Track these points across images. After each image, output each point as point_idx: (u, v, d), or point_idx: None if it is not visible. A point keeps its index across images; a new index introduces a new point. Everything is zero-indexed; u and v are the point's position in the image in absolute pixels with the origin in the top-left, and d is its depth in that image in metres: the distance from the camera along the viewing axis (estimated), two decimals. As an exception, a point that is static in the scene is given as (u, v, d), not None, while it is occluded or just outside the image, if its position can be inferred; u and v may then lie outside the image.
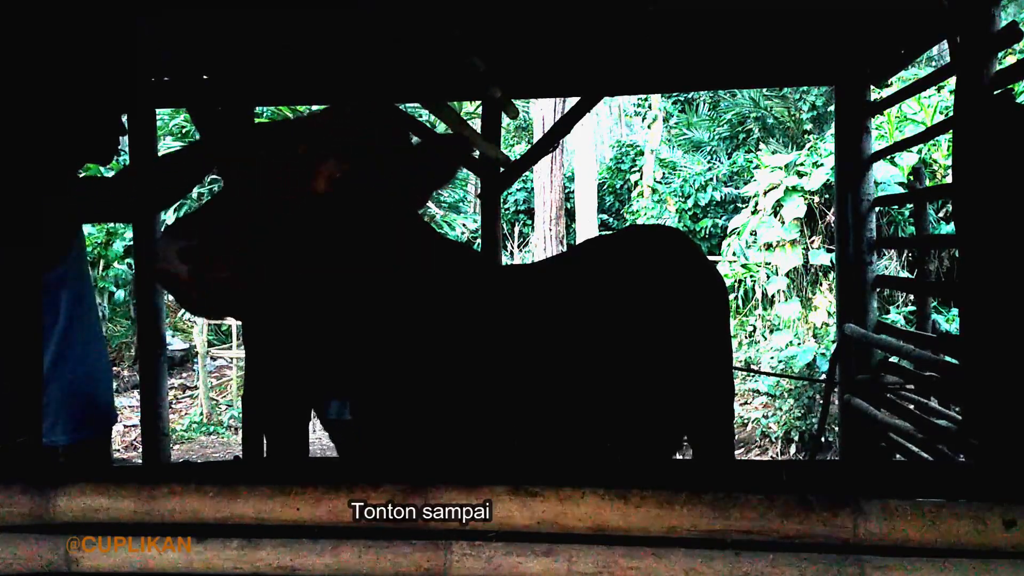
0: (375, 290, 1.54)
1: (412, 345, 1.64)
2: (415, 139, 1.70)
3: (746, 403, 7.31)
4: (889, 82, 4.70)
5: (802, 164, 7.58)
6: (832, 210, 6.74)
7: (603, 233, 9.50)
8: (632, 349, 2.08)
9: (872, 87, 4.32)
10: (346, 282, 1.50)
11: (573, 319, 1.97)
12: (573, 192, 12.18)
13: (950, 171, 6.25)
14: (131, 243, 7.58)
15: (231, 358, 8.82)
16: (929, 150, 7.02)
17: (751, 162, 10.22)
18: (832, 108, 7.47)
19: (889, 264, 7.00)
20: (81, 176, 2.15)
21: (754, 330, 7.85)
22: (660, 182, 11.51)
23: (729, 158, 11.90)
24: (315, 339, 1.62)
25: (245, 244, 1.32)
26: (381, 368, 1.65)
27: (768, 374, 6.55)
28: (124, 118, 2.29)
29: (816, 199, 7.41)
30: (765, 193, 7.71)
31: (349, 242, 1.48)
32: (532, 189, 12.08)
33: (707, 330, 2.53)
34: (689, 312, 2.38)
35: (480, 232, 5.43)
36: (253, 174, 1.42)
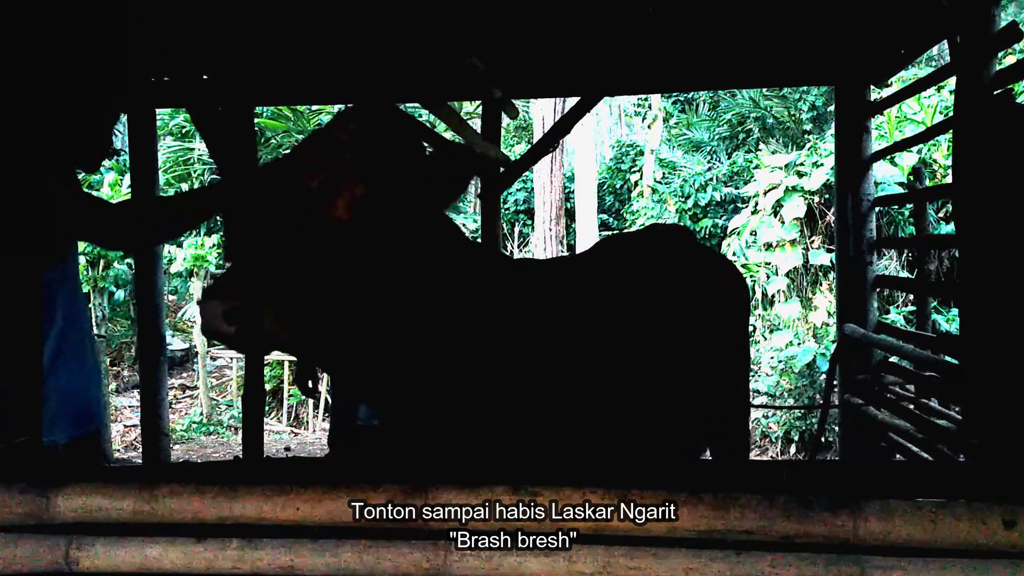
0: (402, 294, 1.56)
1: (441, 349, 1.64)
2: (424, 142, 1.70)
3: (746, 403, 7.29)
4: (889, 82, 4.70)
5: (802, 164, 7.57)
6: (832, 210, 6.73)
7: (622, 232, 9.49)
8: (648, 351, 2.05)
9: (872, 87, 4.32)
10: (376, 292, 1.52)
11: (589, 320, 1.95)
12: (573, 192, 12.17)
13: (950, 171, 6.24)
14: (131, 243, 7.54)
15: (231, 358, 8.81)
16: (929, 150, 7.01)
17: (751, 162, 10.21)
18: (832, 108, 7.46)
19: (889, 264, 6.99)
20: (91, 194, 2.15)
21: (754, 330, 7.85)
22: (660, 182, 11.49)
23: (729, 158, 11.89)
24: (347, 348, 1.62)
25: (282, 291, 1.39)
26: (412, 374, 1.65)
27: (773, 407, 6.56)
28: (119, 126, 2.28)
29: (816, 199, 7.41)
30: (765, 193, 7.70)
31: (378, 256, 1.50)
32: (532, 189, 12.07)
33: (726, 334, 2.45)
34: (708, 316, 2.31)
35: (480, 232, 5.43)
36: (273, 216, 1.45)
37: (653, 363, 2.05)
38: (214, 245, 8.59)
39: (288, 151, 1.62)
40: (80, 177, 2.12)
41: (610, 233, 11.63)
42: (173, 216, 2.09)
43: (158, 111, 4.88)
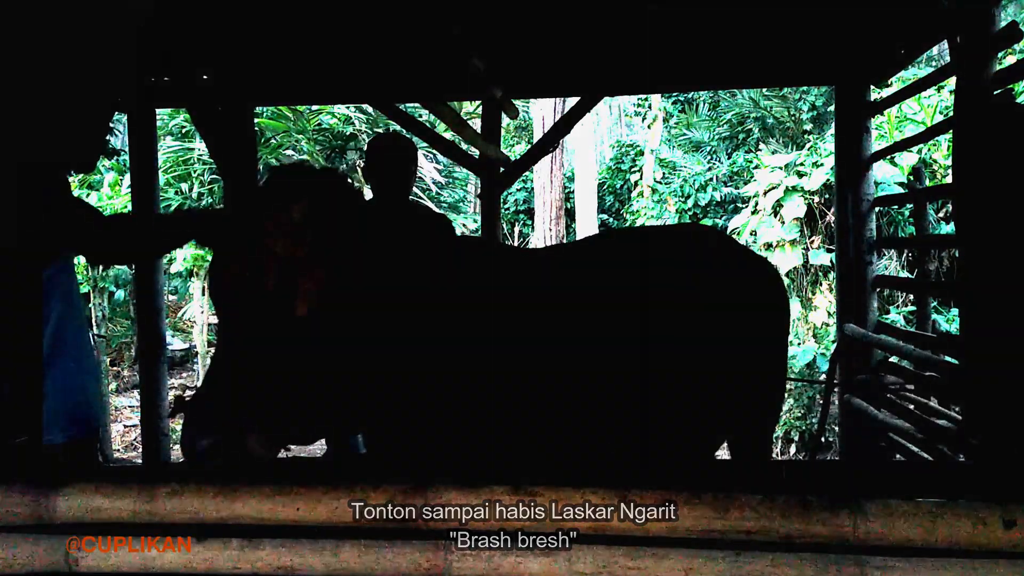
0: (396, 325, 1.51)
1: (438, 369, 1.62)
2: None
3: (746, 403, 7.28)
4: (889, 82, 4.69)
5: (802, 164, 7.56)
6: (832, 210, 6.73)
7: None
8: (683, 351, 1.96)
9: (872, 87, 4.32)
10: (369, 360, 1.47)
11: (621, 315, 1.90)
12: (573, 192, 12.17)
13: (950, 171, 6.24)
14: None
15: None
16: (929, 150, 7.00)
17: (751, 162, 10.20)
18: (832, 108, 7.46)
19: (889, 264, 6.99)
20: (88, 204, 2.15)
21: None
22: (660, 182, 11.49)
23: (729, 158, 11.89)
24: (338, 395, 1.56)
25: (264, 407, 1.32)
26: (412, 401, 1.63)
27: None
28: (119, 126, 2.28)
29: (816, 199, 7.40)
30: (765, 193, 7.69)
31: (362, 324, 1.43)
32: (532, 189, 12.07)
33: (766, 337, 2.30)
34: (749, 320, 2.17)
35: (480, 232, 5.43)
36: (234, 322, 1.37)
37: (688, 365, 1.97)
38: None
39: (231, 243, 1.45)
40: (79, 178, 2.11)
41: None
42: (165, 236, 2.09)
43: (158, 111, 4.88)
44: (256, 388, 1.32)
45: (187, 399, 1.36)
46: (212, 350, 9.13)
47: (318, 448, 6.91)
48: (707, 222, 10.81)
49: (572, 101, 5.17)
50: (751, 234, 7.99)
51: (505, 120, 5.10)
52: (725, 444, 2.62)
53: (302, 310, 1.34)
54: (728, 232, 8.86)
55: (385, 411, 1.59)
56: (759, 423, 2.45)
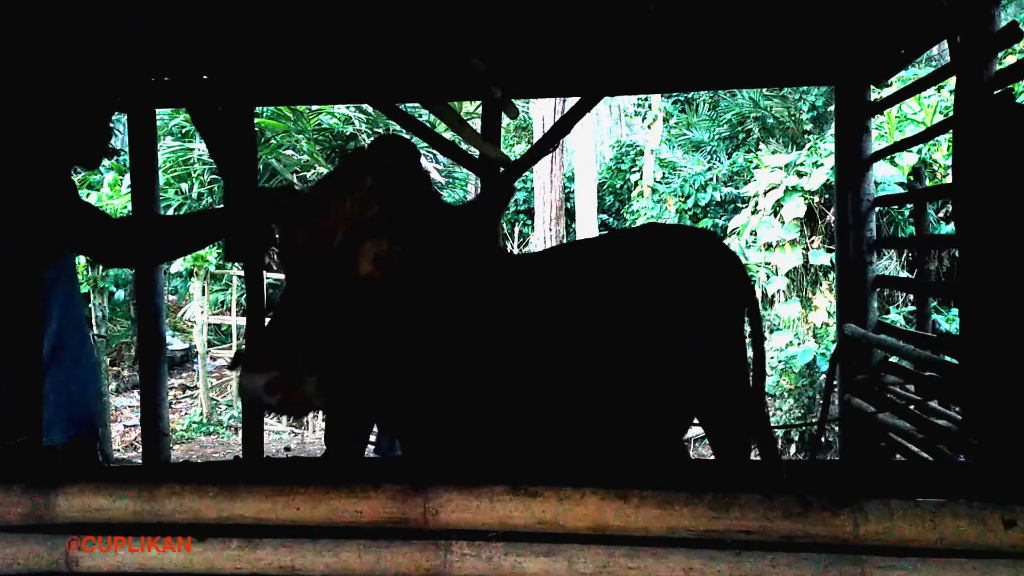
0: (437, 328, 1.57)
1: (463, 371, 1.66)
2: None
3: (746, 403, 7.28)
4: (889, 82, 4.70)
5: (802, 164, 7.56)
6: (832, 210, 6.73)
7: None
8: (638, 341, 2.09)
9: (872, 87, 4.32)
10: (414, 337, 1.52)
11: (581, 312, 1.98)
12: (573, 192, 12.18)
13: (950, 171, 6.24)
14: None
15: (231, 358, 8.78)
16: (929, 150, 7.01)
17: (751, 162, 10.21)
18: (832, 108, 7.46)
19: (889, 264, 6.99)
20: (92, 206, 2.14)
21: (754, 330, 7.82)
22: (660, 182, 11.50)
23: (729, 158, 11.89)
24: (384, 394, 1.62)
25: (320, 356, 1.37)
26: (434, 400, 1.67)
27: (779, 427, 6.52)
28: (119, 126, 2.28)
29: (816, 199, 7.40)
30: (765, 193, 7.69)
31: (415, 302, 1.50)
32: (532, 189, 12.08)
33: (718, 324, 2.49)
34: (699, 306, 2.36)
35: (480, 232, 5.42)
36: (300, 277, 1.43)
37: (648, 357, 2.08)
38: (214, 245, 8.60)
39: (301, 203, 1.55)
40: (80, 177, 2.11)
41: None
42: (173, 238, 2.08)
43: (158, 111, 4.88)
44: (315, 338, 1.37)
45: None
46: (212, 350, 9.16)
47: (318, 448, 6.91)
48: (707, 222, 10.82)
49: (572, 101, 5.16)
50: (751, 234, 7.99)
51: (505, 120, 5.10)
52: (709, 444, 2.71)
53: (366, 269, 1.41)
54: (728, 232, 8.86)
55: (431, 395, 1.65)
56: (726, 402, 2.59)
